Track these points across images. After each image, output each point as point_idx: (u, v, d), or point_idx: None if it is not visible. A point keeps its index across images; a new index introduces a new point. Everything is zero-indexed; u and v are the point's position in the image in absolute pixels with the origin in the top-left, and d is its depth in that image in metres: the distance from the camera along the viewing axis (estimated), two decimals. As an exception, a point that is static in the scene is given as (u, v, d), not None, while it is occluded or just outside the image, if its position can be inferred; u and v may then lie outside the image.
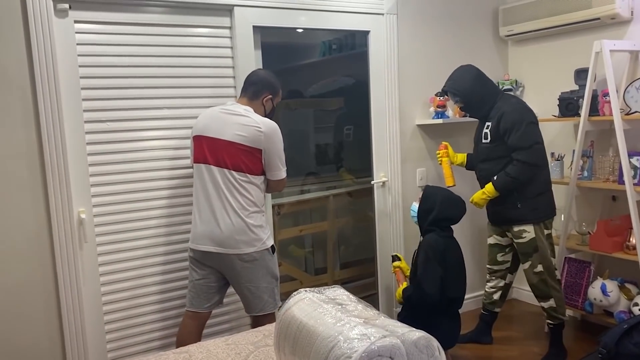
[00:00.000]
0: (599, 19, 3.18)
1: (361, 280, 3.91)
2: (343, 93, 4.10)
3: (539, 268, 2.98)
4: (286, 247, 3.86)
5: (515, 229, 3.00)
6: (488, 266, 3.30)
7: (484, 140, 3.02)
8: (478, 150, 3.11)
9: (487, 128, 2.99)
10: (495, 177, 2.93)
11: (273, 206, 3.28)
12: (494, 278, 3.28)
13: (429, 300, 2.79)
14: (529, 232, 2.97)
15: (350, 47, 3.82)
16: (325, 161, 4.26)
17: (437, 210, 2.90)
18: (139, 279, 2.79)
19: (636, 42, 3.11)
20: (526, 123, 2.86)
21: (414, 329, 1.61)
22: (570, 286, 3.41)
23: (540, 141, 2.91)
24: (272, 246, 2.60)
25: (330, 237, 3.91)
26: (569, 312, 3.56)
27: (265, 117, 2.60)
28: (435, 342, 1.58)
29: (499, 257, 3.23)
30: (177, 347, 2.56)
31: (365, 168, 3.60)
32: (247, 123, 2.50)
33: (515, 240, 3.04)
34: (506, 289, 3.30)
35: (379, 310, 3.42)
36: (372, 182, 3.49)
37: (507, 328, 3.57)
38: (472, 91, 2.98)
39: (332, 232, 3.92)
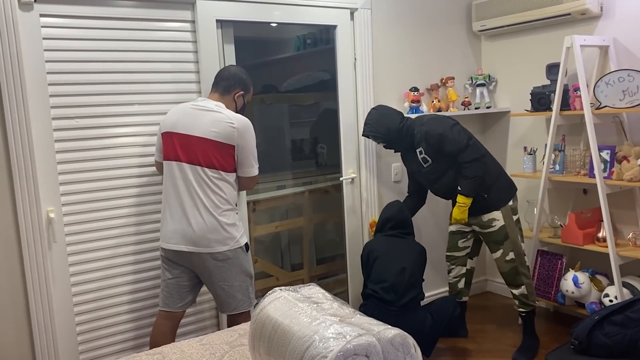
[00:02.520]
0: (569, 14, 3.21)
1: (338, 276, 3.91)
2: (319, 88, 4.08)
3: (511, 255, 3.02)
4: (262, 244, 3.83)
5: (485, 218, 3.02)
6: (447, 254, 3.33)
7: (425, 165, 3.05)
8: (423, 177, 3.13)
9: (421, 154, 3.02)
10: (459, 188, 2.96)
11: (248, 202, 3.25)
12: (453, 266, 3.31)
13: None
14: (498, 220, 3.00)
15: (325, 42, 3.79)
16: (301, 157, 4.23)
17: (379, 219, 3.18)
18: (110, 278, 2.73)
19: (605, 37, 3.16)
20: (449, 127, 2.93)
21: (390, 327, 1.61)
22: (543, 278, 3.47)
23: (470, 135, 2.97)
24: (246, 244, 2.58)
25: (306, 233, 3.89)
26: (541, 304, 3.62)
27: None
28: (411, 340, 1.58)
29: (460, 243, 3.26)
30: (150, 347, 2.52)
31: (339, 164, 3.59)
32: (219, 119, 2.47)
33: (485, 231, 3.06)
34: (469, 275, 3.33)
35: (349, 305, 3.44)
36: (341, 179, 3.48)
37: (483, 320, 3.61)
38: (389, 129, 3.05)
39: (308, 228, 3.90)
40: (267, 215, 3.81)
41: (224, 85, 2.60)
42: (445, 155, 2.95)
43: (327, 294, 1.88)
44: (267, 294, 1.85)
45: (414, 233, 3.15)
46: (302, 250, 3.90)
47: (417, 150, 3.04)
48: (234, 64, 2.94)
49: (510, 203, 3.04)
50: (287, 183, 3.99)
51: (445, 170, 3.00)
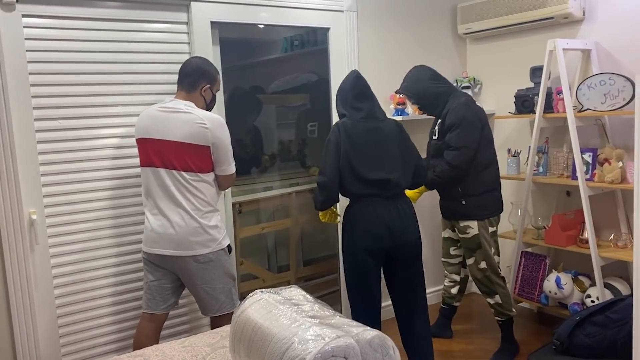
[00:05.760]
0: (552, 18, 3.25)
1: (324, 277, 3.92)
2: (306, 89, 4.09)
3: (483, 265, 3.02)
4: (248, 245, 3.83)
5: (461, 224, 3.03)
6: (443, 259, 3.35)
7: (434, 137, 3.06)
8: (430, 146, 3.14)
9: (437, 125, 3.03)
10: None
11: (234, 204, 3.25)
12: (448, 272, 3.33)
13: (323, 185, 2.61)
14: (472, 228, 3.00)
15: (312, 44, 3.80)
16: (288, 158, 4.24)
17: (339, 90, 2.75)
18: (93, 280, 2.72)
19: (588, 41, 3.19)
20: (465, 124, 2.86)
21: (369, 328, 1.62)
22: (527, 279, 3.49)
23: (472, 146, 2.88)
24: (229, 246, 2.57)
25: (292, 234, 3.89)
26: (525, 304, 3.64)
27: (206, 108, 2.55)
28: (389, 342, 1.59)
29: (452, 251, 3.28)
30: (134, 349, 2.51)
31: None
32: (191, 120, 2.41)
33: (460, 236, 3.08)
34: (463, 283, 3.35)
35: (341, 306, 3.44)
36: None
37: (467, 322, 3.63)
38: (425, 92, 3.01)
39: (294, 230, 3.91)
40: (254, 216, 3.81)
41: (189, 82, 2.52)
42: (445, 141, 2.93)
43: (307, 295, 1.88)
44: (247, 297, 1.85)
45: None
46: (289, 251, 3.90)
47: (439, 120, 3.02)
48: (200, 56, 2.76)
49: (488, 220, 3.02)
50: (274, 184, 3.99)
51: (443, 154, 2.95)
